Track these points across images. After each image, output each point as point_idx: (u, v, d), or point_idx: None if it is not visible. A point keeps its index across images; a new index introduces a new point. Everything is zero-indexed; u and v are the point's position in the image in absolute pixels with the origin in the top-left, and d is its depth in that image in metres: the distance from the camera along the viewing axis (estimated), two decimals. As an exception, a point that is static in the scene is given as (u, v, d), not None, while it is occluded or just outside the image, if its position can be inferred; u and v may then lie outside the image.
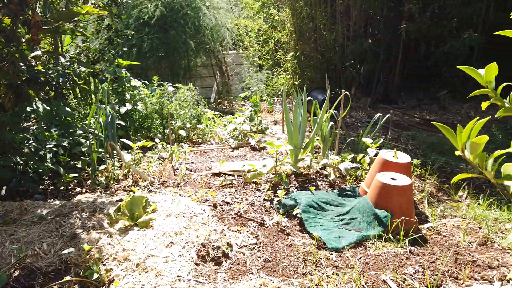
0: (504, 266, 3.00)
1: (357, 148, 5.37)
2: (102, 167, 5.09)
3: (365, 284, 2.71)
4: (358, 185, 4.53)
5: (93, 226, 3.48)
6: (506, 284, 2.75)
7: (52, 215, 3.68)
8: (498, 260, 3.09)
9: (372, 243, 3.36)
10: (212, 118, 8.01)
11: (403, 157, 4.21)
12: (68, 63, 5.58)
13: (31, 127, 4.99)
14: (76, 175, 4.80)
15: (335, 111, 5.18)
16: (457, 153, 1.68)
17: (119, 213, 3.56)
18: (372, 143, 4.85)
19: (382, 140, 4.99)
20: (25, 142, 4.69)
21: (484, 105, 1.68)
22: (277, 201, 4.19)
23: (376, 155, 4.71)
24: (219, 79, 12.49)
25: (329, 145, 5.17)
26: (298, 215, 3.84)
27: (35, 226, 3.50)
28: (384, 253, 3.18)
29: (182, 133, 6.71)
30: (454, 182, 4.57)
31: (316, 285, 2.80)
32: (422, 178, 4.86)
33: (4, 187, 4.54)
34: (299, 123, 4.87)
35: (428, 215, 4.01)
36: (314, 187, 4.28)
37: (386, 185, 3.62)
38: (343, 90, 5.16)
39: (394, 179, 3.70)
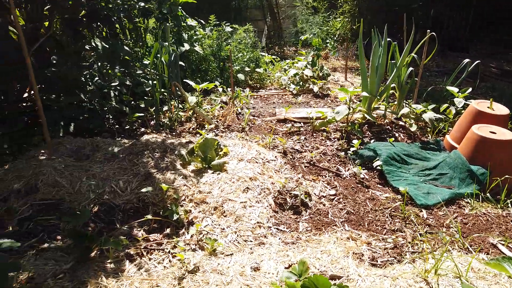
0: None
1: (438, 98, 4.88)
2: (164, 108, 4.97)
3: (470, 246, 2.44)
4: (440, 138, 4.12)
5: (166, 167, 3.39)
6: None
7: (124, 153, 3.62)
8: None
9: (467, 202, 3.04)
10: (271, 62, 7.62)
11: (500, 109, 3.73)
12: (127, -3, 5.31)
13: (95, 64, 4.88)
14: (141, 114, 4.71)
15: (416, 55, 4.64)
16: None
17: (193, 155, 3.43)
18: (459, 92, 4.35)
19: (470, 89, 4.46)
20: (90, 79, 4.60)
21: None
22: (352, 151, 3.91)
23: (464, 106, 4.23)
24: (270, 23, 11.86)
25: (405, 94, 4.72)
26: (378, 167, 3.56)
27: (109, 163, 3.46)
28: (484, 213, 2.87)
29: (241, 76, 6.43)
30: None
31: (409, 242, 2.57)
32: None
33: (72, 124, 4.54)
34: (377, 66, 4.42)
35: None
36: (392, 139, 3.94)
37: (485, 139, 3.22)
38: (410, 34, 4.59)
39: (494, 133, 3.28)
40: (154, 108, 4.94)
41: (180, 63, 5.88)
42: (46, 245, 2.58)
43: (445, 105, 4.26)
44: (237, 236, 2.70)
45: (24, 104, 4.33)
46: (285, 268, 2.25)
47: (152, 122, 4.92)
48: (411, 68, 4.65)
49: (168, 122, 4.74)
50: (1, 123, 3.82)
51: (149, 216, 2.73)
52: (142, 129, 4.81)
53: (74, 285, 2.16)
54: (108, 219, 2.91)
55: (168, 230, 2.80)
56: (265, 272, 2.22)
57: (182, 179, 3.23)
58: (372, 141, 4.10)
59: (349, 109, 4.30)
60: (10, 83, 4.09)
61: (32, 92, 4.38)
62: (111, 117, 4.91)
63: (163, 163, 3.45)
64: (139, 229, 2.81)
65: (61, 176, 3.19)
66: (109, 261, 2.40)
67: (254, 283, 2.10)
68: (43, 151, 3.58)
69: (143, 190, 2.89)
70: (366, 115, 4.30)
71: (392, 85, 4.76)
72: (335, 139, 4.26)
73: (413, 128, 4.12)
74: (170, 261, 2.45)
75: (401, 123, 4.54)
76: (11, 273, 1.97)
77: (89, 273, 2.27)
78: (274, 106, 5.63)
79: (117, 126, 4.83)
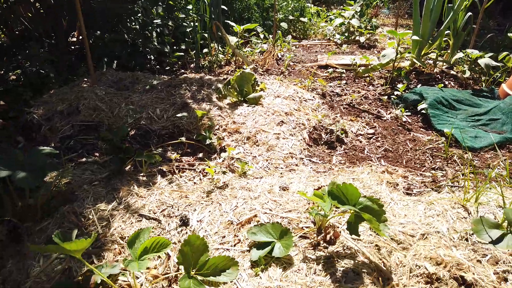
0: None
1: (496, 48, 4.46)
2: (205, 50, 4.94)
3: (518, 185, 2.25)
4: (495, 88, 3.79)
5: (202, 99, 3.38)
6: None
7: (163, 85, 3.65)
8: None
9: (520, 147, 2.80)
10: (316, 13, 7.30)
11: None
12: None
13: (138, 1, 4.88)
14: (182, 53, 4.70)
15: (476, -1, 4.22)
16: None
17: (228, 88, 3.39)
18: (523, 39, 3.94)
19: (536, 37, 4.02)
20: (134, 16, 4.63)
21: None
22: (395, 95, 3.70)
23: (526, 53, 3.84)
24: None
25: (461, 41, 4.34)
26: (423, 111, 3.34)
27: (147, 93, 3.50)
28: (538, 158, 2.63)
29: (284, 25, 6.21)
30: None
31: (449, 179, 2.41)
32: None
33: (115, 62, 4.63)
34: (431, 9, 4.08)
35: None
36: (441, 85, 3.66)
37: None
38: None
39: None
40: (194, 50, 4.91)
41: (223, 7, 5.76)
42: (84, 159, 2.69)
43: (504, 53, 3.88)
44: (268, 163, 2.66)
45: (72, 48, 4.46)
46: (314, 189, 2.19)
47: (192, 65, 4.92)
48: (469, 13, 4.25)
49: (208, 64, 4.71)
50: (52, 63, 3.97)
51: (183, 139, 2.75)
52: (182, 71, 4.83)
53: (108, 190, 2.24)
54: (144, 142, 2.97)
55: (200, 155, 2.82)
56: (293, 192, 2.18)
57: (217, 110, 3.21)
58: (419, 86, 3.85)
59: (397, 53, 4.03)
60: (59, 20, 4.20)
61: (80, 37, 4.49)
62: (152, 57, 4.95)
63: (199, 95, 3.44)
64: (173, 152, 2.85)
65: (102, 101, 3.28)
66: (142, 174, 2.46)
67: (281, 200, 2.07)
68: (86, 80, 3.69)
69: (178, 115, 2.90)
70: (415, 61, 4.02)
71: (446, 32, 4.39)
72: (379, 85, 4.05)
73: (466, 74, 3.81)
74: (200, 179, 2.47)
75: (452, 72, 4.21)
76: (50, 171, 2.07)
77: (122, 182, 2.34)
78: (316, 55, 5.43)
79: (158, 66, 4.87)
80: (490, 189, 2.07)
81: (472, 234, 1.73)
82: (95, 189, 2.25)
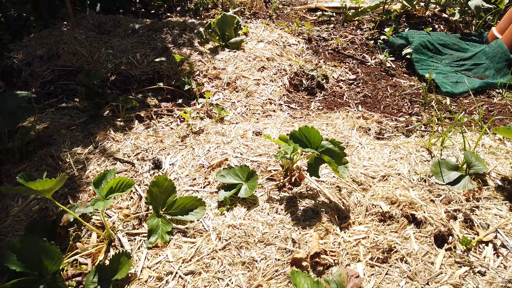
0: None
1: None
2: (191, -8, 4.74)
3: (488, 129, 2.28)
4: (485, 31, 3.70)
5: (184, 43, 3.32)
6: None
7: (144, 29, 3.56)
8: None
9: (499, 93, 2.80)
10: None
11: None
12: None
13: None
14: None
15: None
16: None
17: (210, 32, 3.31)
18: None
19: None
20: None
21: None
22: (382, 39, 3.62)
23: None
24: None
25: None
26: (408, 56, 3.29)
27: (128, 38, 3.43)
28: (513, 103, 2.64)
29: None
30: None
31: (423, 124, 2.44)
32: None
33: (98, 4, 4.47)
34: None
35: None
36: (430, 28, 3.57)
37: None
38: None
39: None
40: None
41: None
42: (64, 104, 2.71)
43: (499, -6, 3.73)
44: (247, 109, 2.68)
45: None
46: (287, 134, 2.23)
47: (178, 8, 4.75)
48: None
49: (193, 7, 4.55)
50: (32, 5, 3.83)
51: (161, 84, 2.74)
52: (168, 14, 4.68)
53: (85, 135, 2.28)
54: (124, 88, 2.97)
55: (180, 101, 2.83)
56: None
57: (198, 55, 3.17)
58: (406, 29, 3.76)
59: (387, -5, 3.88)
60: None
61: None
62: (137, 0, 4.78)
63: (181, 40, 3.37)
64: (152, 98, 2.85)
65: (81, 46, 3.22)
66: (119, 119, 2.49)
67: (253, 144, 2.12)
68: (66, 23, 3.59)
69: (157, 60, 2.87)
70: (405, 3, 3.88)
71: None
72: (367, 29, 3.94)
73: (456, 17, 3.70)
74: (177, 124, 2.51)
75: (444, 15, 4.09)
76: (25, 115, 2.10)
77: (99, 126, 2.38)
78: (307, -3, 5.22)
79: (143, 10, 4.71)
80: (457, 134, 2.11)
81: (432, 176, 1.79)
82: (72, 134, 2.29)
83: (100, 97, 2.47)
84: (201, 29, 3.38)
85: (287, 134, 2.15)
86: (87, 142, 2.23)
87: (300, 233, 1.55)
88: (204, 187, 1.86)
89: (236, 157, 2.03)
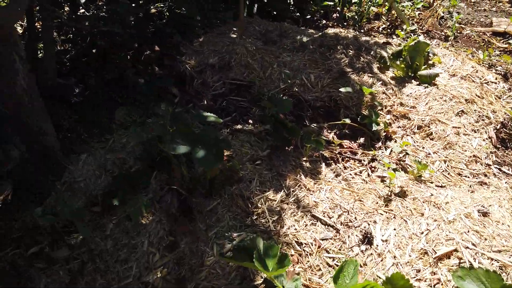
0: None
1: None
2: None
3: None
4: None
5: (362, 68, 2.95)
6: None
7: (314, 44, 3.28)
8: None
9: None
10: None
11: None
12: None
13: None
14: (331, 3, 4.18)
15: None
16: None
17: (397, 58, 2.90)
18: None
19: None
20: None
21: None
22: None
23: None
24: None
25: None
26: None
27: (298, 53, 3.17)
28: None
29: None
30: None
31: None
32: None
33: (256, 5, 4.31)
34: None
35: None
36: None
37: None
38: None
39: None
40: (341, -1, 4.35)
41: None
42: (239, 126, 2.54)
43: None
44: (447, 166, 2.25)
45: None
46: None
47: (334, 15, 4.40)
48: None
49: (356, 17, 4.15)
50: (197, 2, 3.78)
51: (347, 121, 2.43)
52: (324, 21, 4.36)
53: (273, 175, 2.08)
54: (296, 113, 2.72)
55: (361, 140, 2.50)
56: (496, 221, 1.78)
57: (381, 85, 2.79)
58: None
59: None
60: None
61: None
62: (292, 2, 4.52)
63: (358, 63, 3.01)
64: (329, 131, 2.57)
65: (253, 58, 3.05)
66: (304, 158, 2.24)
67: (484, 231, 1.70)
68: (234, 29, 3.46)
69: (342, 89, 2.55)
70: None
71: None
72: None
73: None
74: (368, 175, 2.18)
75: None
76: (226, 149, 1.95)
77: (287, 166, 2.15)
78: (485, 14, 4.47)
79: (297, 13, 4.45)
80: None
81: None
82: (260, 171, 2.10)
83: (289, 132, 2.23)
84: (384, 54, 2.98)
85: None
86: (277, 185, 2.01)
87: None
88: (434, 287, 1.51)
89: (467, 247, 1.63)
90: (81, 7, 2.91)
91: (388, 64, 2.90)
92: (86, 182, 2.15)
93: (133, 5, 3.17)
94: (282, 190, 1.98)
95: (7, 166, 1.83)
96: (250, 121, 2.62)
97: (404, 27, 3.78)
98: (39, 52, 3.01)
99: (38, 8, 2.60)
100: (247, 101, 2.80)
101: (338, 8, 4.38)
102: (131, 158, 2.27)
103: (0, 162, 1.77)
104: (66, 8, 3.28)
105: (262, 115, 2.64)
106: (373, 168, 2.22)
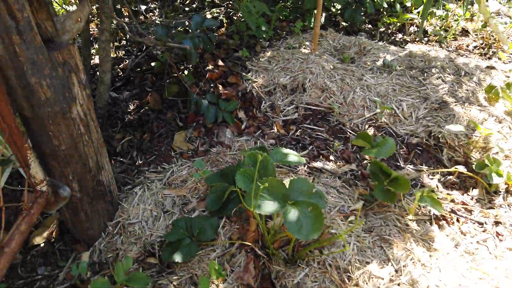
0: None
1: None
2: (437, 12, 3.81)
3: None
4: None
5: (467, 98, 2.45)
6: None
7: (401, 65, 2.80)
8: None
9: None
10: None
11: None
12: None
13: None
14: (414, 16, 3.67)
15: None
16: None
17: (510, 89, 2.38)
18: None
19: None
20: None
21: None
22: None
23: None
24: None
25: None
26: None
27: (382, 74, 2.71)
28: None
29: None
30: None
31: None
32: None
33: (323, 14, 3.87)
34: None
35: None
36: None
37: None
38: None
39: None
40: (421, 11, 3.82)
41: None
42: (319, 164, 2.11)
43: None
44: None
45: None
46: None
47: (411, 29, 3.89)
48: None
49: (441, 32, 3.62)
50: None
51: (462, 169, 1.93)
52: (400, 36, 3.85)
53: (374, 239, 1.63)
54: (391, 151, 2.26)
55: (475, 192, 1.99)
56: None
57: (495, 122, 2.27)
58: None
59: None
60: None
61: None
62: (363, 14, 4.04)
63: (460, 91, 2.51)
64: (431, 177, 2.08)
65: (331, 79, 2.62)
66: (410, 217, 1.78)
67: None
68: (307, 44, 3.03)
69: (451, 127, 2.05)
70: None
71: None
72: None
73: None
74: (496, 245, 1.69)
75: None
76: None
77: (390, 227, 1.70)
78: None
79: (369, 25, 3.97)
80: None
81: None
82: (356, 232, 1.66)
83: (394, 184, 1.76)
84: (494, 82, 2.45)
85: None
86: (381, 255, 1.57)
87: None
88: None
89: None
90: (142, 16, 2.59)
91: (500, 94, 2.38)
92: (142, 224, 1.80)
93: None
94: (390, 263, 1.53)
95: (55, 207, 1.49)
96: (331, 158, 2.18)
97: (505, 47, 3.22)
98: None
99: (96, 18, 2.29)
100: (325, 131, 2.37)
101: (415, 21, 3.88)
102: (193, 197, 1.90)
103: (48, 202, 1.43)
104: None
105: (344, 150, 2.21)
106: (500, 236, 1.72)
